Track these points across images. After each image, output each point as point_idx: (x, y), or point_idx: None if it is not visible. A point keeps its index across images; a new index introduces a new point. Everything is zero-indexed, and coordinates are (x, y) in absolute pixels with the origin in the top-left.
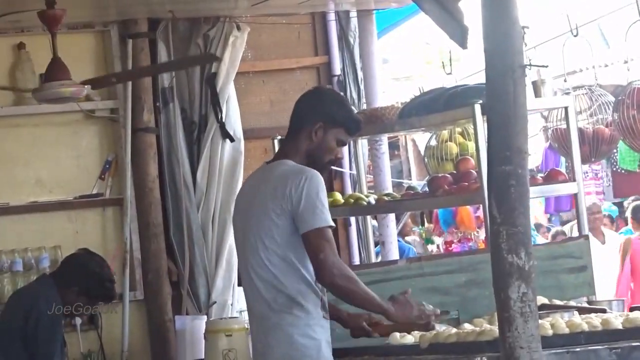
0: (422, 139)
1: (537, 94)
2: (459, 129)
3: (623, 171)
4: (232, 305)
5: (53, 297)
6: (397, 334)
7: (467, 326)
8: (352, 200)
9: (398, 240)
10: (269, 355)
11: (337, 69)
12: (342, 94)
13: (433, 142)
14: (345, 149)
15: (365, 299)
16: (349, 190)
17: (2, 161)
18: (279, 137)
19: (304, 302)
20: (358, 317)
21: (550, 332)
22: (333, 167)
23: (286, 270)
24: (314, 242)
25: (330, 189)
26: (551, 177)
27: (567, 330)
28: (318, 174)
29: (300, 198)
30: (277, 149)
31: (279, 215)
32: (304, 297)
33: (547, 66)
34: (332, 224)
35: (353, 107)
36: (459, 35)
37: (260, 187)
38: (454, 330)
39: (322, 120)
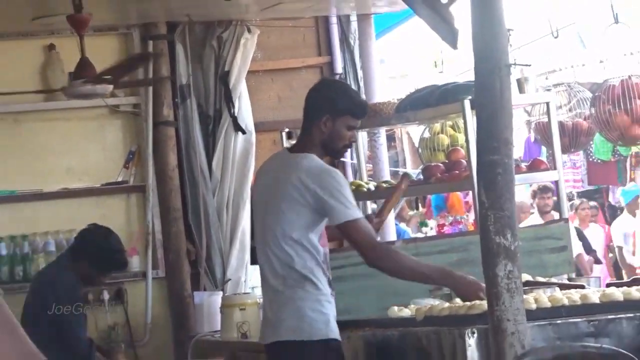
0: (416, 131)
1: (521, 90)
2: (450, 122)
3: (598, 161)
4: (245, 282)
5: (68, 274)
6: (395, 308)
7: (459, 301)
8: (354, 187)
9: (395, 224)
10: (281, 326)
11: (339, 68)
12: (347, 84)
13: (426, 134)
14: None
15: (417, 273)
16: (350, 178)
17: (36, 152)
18: (287, 130)
19: (314, 280)
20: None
21: (534, 306)
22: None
23: (300, 250)
24: (353, 232)
25: None
26: (534, 166)
27: (549, 305)
28: (339, 173)
29: (324, 190)
30: (285, 141)
31: (301, 205)
32: (315, 275)
33: (530, 65)
34: (361, 215)
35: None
36: (450, 37)
37: (281, 176)
38: (447, 304)
39: (328, 112)
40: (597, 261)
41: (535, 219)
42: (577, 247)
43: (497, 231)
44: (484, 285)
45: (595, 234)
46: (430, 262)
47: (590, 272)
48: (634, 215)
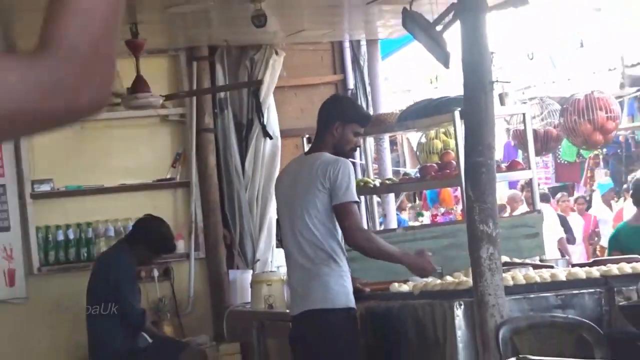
0: (414, 137)
1: (502, 103)
2: (442, 130)
3: (565, 162)
4: (271, 262)
5: (126, 255)
6: (396, 284)
7: (449, 278)
8: (362, 183)
9: (397, 214)
10: (309, 297)
11: (351, 84)
12: (354, 99)
13: (423, 140)
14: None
15: (384, 254)
16: (359, 175)
17: (99, 153)
18: (307, 136)
19: (337, 258)
20: (353, 280)
21: (511, 282)
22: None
23: (325, 232)
24: (341, 212)
25: None
26: (512, 166)
27: (523, 282)
28: (349, 162)
29: (336, 179)
30: (305, 145)
31: (321, 191)
32: (338, 254)
33: (509, 82)
34: (357, 199)
35: (362, 105)
36: (443, 59)
37: (303, 171)
38: (439, 281)
39: (339, 120)
40: (571, 241)
41: (524, 208)
42: (560, 232)
43: (481, 220)
44: (432, 265)
45: (575, 221)
46: (396, 247)
47: (567, 252)
48: (609, 205)
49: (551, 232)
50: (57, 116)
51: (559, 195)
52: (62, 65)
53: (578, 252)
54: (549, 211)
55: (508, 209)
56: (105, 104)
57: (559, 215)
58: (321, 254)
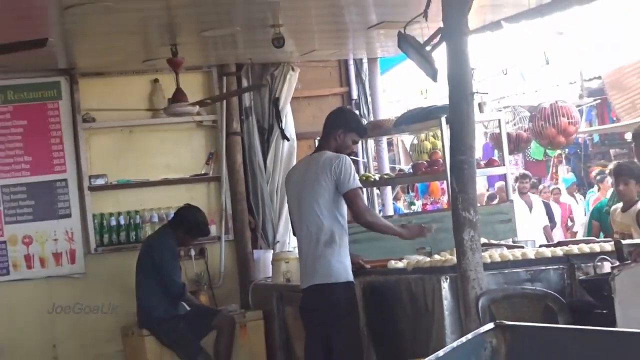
0: (408, 139)
1: (480, 110)
2: (431, 133)
3: (533, 160)
4: (289, 243)
5: (169, 237)
6: (393, 261)
7: (437, 257)
8: (364, 178)
9: (393, 203)
10: (315, 274)
11: (354, 95)
12: (354, 110)
13: (415, 141)
14: (359, 145)
15: (386, 228)
16: (362, 171)
17: (145, 152)
18: (318, 138)
19: (338, 240)
20: (356, 257)
21: (488, 260)
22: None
23: (330, 218)
24: (350, 198)
25: None
26: (489, 163)
27: (499, 259)
28: (348, 157)
29: (341, 171)
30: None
31: (327, 182)
32: (341, 238)
33: (487, 93)
34: (360, 185)
35: (363, 119)
36: (432, 74)
37: (310, 167)
38: (428, 259)
39: (342, 128)
40: (552, 226)
41: (515, 197)
42: (546, 220)
43: (463, 208)
44: (422, 229)
45: (554, 208)
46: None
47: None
48: (572, 195)
49: (538, 217)
50: None
51: (541, 186)
52: None
53: (558, 235)
54: (537, 199)
55: (498, 198)
56: None
57: (544, 202)
58: (325, 237)
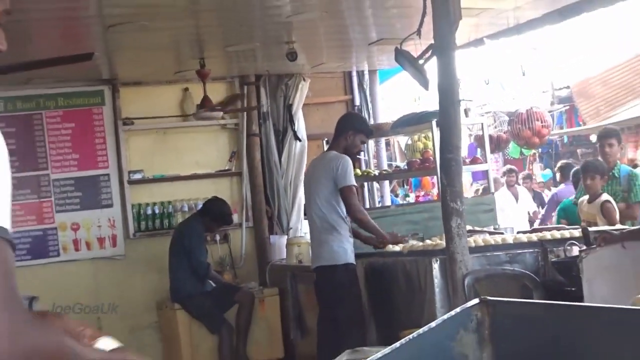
0: (403, 140)
1: (466, 115)
2: (423, 135)
3: (511, 158)
4: (300, 229)
5: (196, 225)
6: (391, 246)
7: (428, 242)
8: (366, 173)
9: (390, 195)
10: (320, 257)
11: (357, 102)
12: (362, 115)
13: (409, 142)
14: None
15: (373, 227)
16: (363, 167)
17: (177, 151)
18: (326, 139)
19: (339, 228)
20: (370, 239)
21: (473, 244)
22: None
23: (330, 209)
24: (344, 193)
25: (354, 167)
26: (474, 161)
27: (482, 244)
28: (348, 158)
29: (338, 169)
30: (325, 146)
31: (328, 179)
32: (339, 225)
33: (471, 100)
34: (355, 184)
35: (365, 117)
36: (424, 83)
37: (318, 166)
38: (421, 243)
39: (352, 130)
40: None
41: (504, 189)
42: (532, 206)
43: (451, 199)
44: (398, 238)
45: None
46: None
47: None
48: (549, 188)
49: (525, 206)
50: None
51: (527, 179)
52: None
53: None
54: (523, 190)
55: (558, 177)
56: None
57: (535, 192)
58: (326, 225)
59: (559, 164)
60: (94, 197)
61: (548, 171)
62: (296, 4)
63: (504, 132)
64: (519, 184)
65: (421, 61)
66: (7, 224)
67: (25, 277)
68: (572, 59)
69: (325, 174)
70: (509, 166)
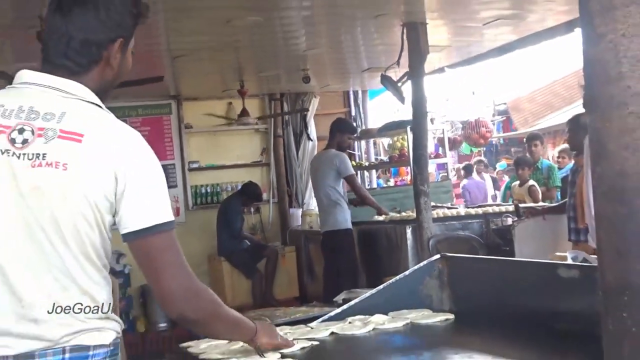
0: (386, 140)
1: (432, 123)
2: (401, 137)
3: (463, 154)
4: (311, 204)
5: (237, 201)
6: (377, 216)
7: (404, 214)
8: (359, 164)
9: (377, 180)
10: (327, 223)
11: (353, 113)
12: (349, 120)
13: (390, 142)
14: (356, 144)
15: (371, 201)
16: (357, 160)
17: (223, 147)
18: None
19: (340, 203)
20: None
21: (436, 216)
22: (350, 151)
23: (334, 191)
24: (350, 179)
25: (351, 160)
26: (437, 156)
27: (442, 215)
28: (344, 154)
29: (340, 164)
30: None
31: (329, 171)
32: (340, 201)
33: (434, 112)
34: (353, 172)
35: (355, 126)
36: (401, 99)
37: (321, 159)
38: (399, 215)
39: (338, 132)
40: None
41: (475, 175)
42: (492, 189)
43: (420, 183)
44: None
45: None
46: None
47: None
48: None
49: (489, 187)
50: None
51: (498, 168)
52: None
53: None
54: (487, 176)
55: (462, 173)
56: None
57: (492, 178)
58: (331, 202)
59: (514, 160)
60: None
61: (504, 162)
62: (309, 42)
63: (459, 135)
64: (485, 171)
65: (399, 84)
66: (172, 217)
67: (116, 237)
68: (508, 82)
69: (328, 166)
70: (478, 158)
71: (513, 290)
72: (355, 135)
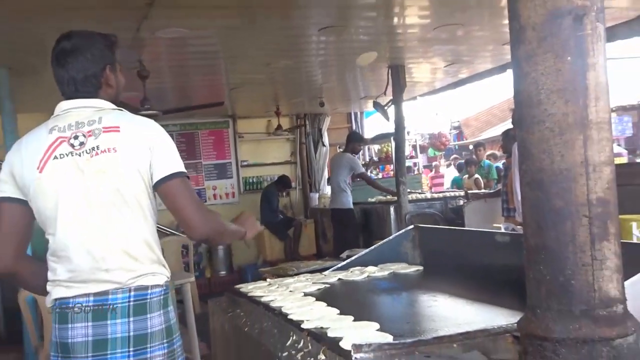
0: (377, 146)
1: (408, 134)
2: (387, 144)
3: (430, 156)
4: (324, 190)
5: (274, 188)
6: (369, 199)
7: (389, 197)
8: (361, 163)
9: (370, 173)
10: (335, 202)
11: (354, 128)
12: (360, 133)
13: (379, 147)
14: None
15: (379, 186)
16: (360, 160)
17: (264, 151)
18: (338, 145)
19: (346, 190)
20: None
21: (410, 198)
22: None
23: (342, 181)
24: (363, 174)
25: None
26: (411, 157)
27: (415, 198)
28: (355, 157)
29: (353, 165)
30: (338, 149)
31: (344, 168)
32: (346, 190)
33: (409, 127)
34: (363, 170)
35: (362, 135)
36: (387, 119)
37: (340, 160)
38: (385, 198)
39: (352, 140)
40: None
41: (452, 168)
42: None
43: (400, 176)
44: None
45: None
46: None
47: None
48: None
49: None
50: None
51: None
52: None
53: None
54: (453, 171)
55: (433, 170)
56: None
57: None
58: (340, 189)
59: (464, 160)
60: (223, 173)
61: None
62: (324, 78)
63: (426, 143)
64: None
65: (386, 107)
66: (184, 169)
67: None
68: (461, 106)
69: (343, 165)
70: (454, 155)
71: (464, 251)
72: (363, 143)
